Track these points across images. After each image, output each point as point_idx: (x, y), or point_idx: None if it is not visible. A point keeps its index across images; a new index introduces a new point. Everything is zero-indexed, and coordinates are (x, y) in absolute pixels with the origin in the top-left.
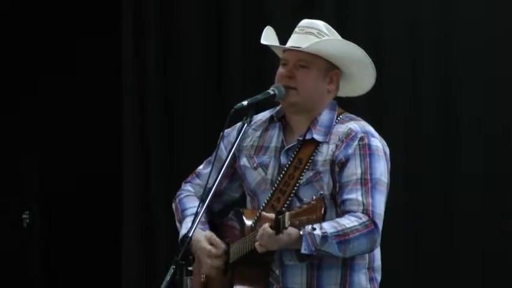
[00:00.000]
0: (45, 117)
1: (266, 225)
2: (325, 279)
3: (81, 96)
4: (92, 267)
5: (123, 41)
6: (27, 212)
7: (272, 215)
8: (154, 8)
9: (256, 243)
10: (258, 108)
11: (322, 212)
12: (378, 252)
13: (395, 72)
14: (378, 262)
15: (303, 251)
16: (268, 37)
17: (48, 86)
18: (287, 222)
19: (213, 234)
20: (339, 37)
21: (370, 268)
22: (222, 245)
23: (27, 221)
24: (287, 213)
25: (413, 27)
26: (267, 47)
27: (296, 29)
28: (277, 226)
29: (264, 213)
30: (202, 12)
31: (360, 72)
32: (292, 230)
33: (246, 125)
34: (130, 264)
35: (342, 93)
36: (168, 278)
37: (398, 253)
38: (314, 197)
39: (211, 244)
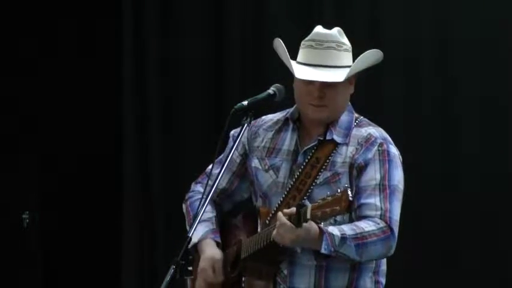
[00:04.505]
0: (45, 117)
1: (284, 218)
2: (333, 281)
3: (81, 96)
4: (92, 267)
5: (123, 40)
6: (27, 212)
7: (292, 210)
8: (154, 8)
9: (274, 232)
10: (270, 109)
11: (347, 203)
12: None
13: (394, 72)
14: (383, 266)
15: (322, 250)
16: (297, 68)
17: (48, 86)
18: (309, 214)
19: (220, 259)
20: (346, 38)
21: (376, 272)
22: (222, 277)
23: (27, 221)
24: (309, 205)
25: (412, 27)
26: (266, 47)
27: (312, 43)
28: (298, 218)
29: (285, 210)
30: (202, 12)
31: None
32: (311, 227)
33: (246, 125)
34: (130, 264)
35: None
36: (168, 278)
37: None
38: (339, 189)
39: (214, 271)
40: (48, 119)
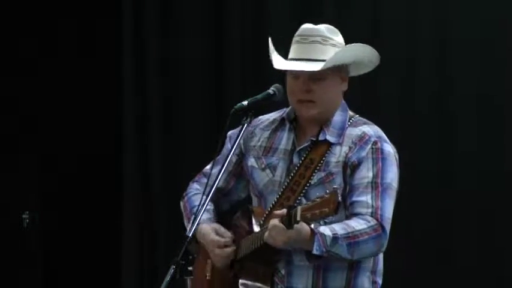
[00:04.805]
0: (45, 117)
1: (276, 220)
2: (331, 281)
3: (81, 96)
4: (92, 267)
5: (123, 40)
6: (27, 212)
7: (283, 211)
8: (154, 8)
9: (266, 234)
10: (269, 109)
11: (336, 205)
12: (380, 256)
13: (392, 72)
14: (380, 266)
15: (314, 251)
16: (277, 59)
17: (48, 86)
18: (299, 216)
19: (220, 226)
20: (340, 36)
21: (374, 272)
22: (229, 234)
23: (27, 221)
24: (299, 207)
25: (411, 27)
26: (266, 47)
27: (298, 38)
28: (289, 220)
29: (275, 211)
30: (202, 12)
31: (367, 64)
32: (302, 228)
33: (246, 125)
34: (130, 264)
35: None
36: (168, 278)
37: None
38: (327, 191)
39: (218, 234)
40: (48, 119)
